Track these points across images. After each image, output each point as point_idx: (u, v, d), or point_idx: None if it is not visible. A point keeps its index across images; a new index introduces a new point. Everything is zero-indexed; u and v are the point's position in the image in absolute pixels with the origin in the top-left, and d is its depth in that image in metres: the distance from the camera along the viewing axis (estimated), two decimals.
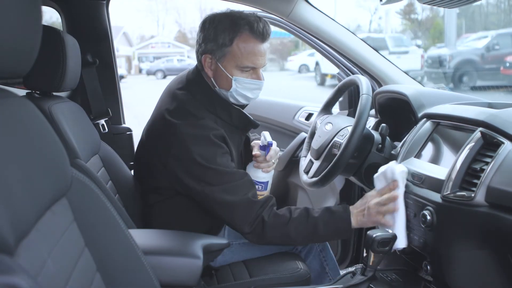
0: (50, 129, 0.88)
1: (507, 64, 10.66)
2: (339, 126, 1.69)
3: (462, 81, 11.36)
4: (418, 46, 16.46)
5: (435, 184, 1.26)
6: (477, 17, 18.81)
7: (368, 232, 1.25)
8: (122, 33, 32.87)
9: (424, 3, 1.42)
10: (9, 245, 0.63)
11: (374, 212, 1.38)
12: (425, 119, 1.51)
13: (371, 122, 1.86)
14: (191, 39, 38.56)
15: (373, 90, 1.88)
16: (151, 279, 1.02)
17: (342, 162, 1.50)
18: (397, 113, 1.78)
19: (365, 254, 1.30)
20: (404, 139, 1.54)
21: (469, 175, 1.16)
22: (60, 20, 2.16)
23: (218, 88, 1.53)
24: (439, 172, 1.27)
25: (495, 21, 18.20)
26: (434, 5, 1.44)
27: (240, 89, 1.51)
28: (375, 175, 1.42)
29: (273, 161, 1.66)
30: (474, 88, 10.81)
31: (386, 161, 1.56)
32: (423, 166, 1.38)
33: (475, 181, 1.13)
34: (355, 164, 1.60)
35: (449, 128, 1.42)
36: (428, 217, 1.24)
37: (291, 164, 2.36)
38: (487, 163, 1.12)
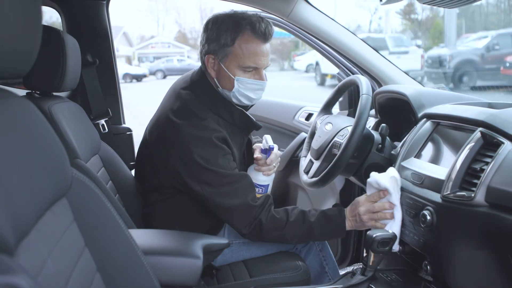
0: (50, 129, 0.88)
1: (507, 64, 10.66)
2: (339, 126, 1.69)
3: (462, 81, 11.36)
4: (418, 46, 16.45)
5: (435, 184, 1.26)
6: (477, 17, 18.81)
7: (368, 232, 1.25)
8: (122, 33, 32.89)
9: (424, 3, 1.42)
10: (9, 245, 0.63)
11: (366, 218, 1.43)
12: (425, 119, 1.51)
13: (371, 122, 1.86)
14: (191, 39, 38.59)
15: (373, 90, 1.88)
16: (151, 279, 1.02)
17: (342, 162, 1.50)
18: (397, 113, 1.78)
19: (365, 254, 1.30)
20: (404, 139, 1.54)
21: (469, 175, 1.16)
22: (60, 20, 2.16)
23: (221, 88, 1.54)
24: (439, 172, 1.27)
25: (495, 21, 18.20)
26: (434, 5, 1.44)
27: (243, 89, 1.51)
28: (368, 180, 1.44)
29: (274, 164, 1.67)
30: (474, 88, 10.81)
31: (386, 161, 1.57)
32: (423, 166, 1.38)
33: (475, 181, 1.13)
34: (355, 164, 1.60)
35: (449, 128, 1.42)
36: (428, 217, 1.24)
37: (291, 164, 2.37)
38: (487, 163, 1.12)
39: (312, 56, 18.10)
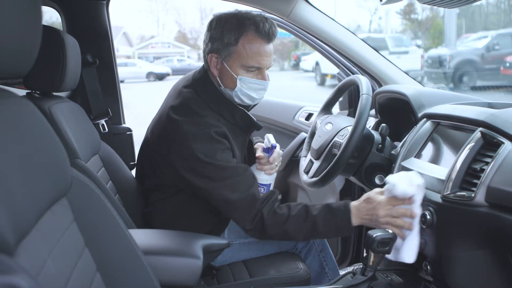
0: (50, 129, 0.88)
1: (507, 64, 10.65)
2: (339, 126, 1.69)
3: (462, 81, 11.36)
4: (418, 46, 16.45)
5: (435, 184, 1.26)
6: (477, 17, 18.80)
7: (368, 232, 1.25)
8: (122, 33, 32.90)
9: (424, 3, 1.42)
10: (9, 245, 0.63)
11: (384, 221, 1.32)
12: (425, 119, 1.51)
13: (371, 122, 1.86)
14: (191, 39, 38.58)
15: (373, 90, 1.88)
16: (151, 279, 1.02)
17: (342, 162, 1.50)
18: (397, 113, 1.78)
19: (365, 254, 1.30)
20: (404, 139, 1.54)
21: (469, 175, 1.16)
22: (60, 20, 2.16)
23: (223, 87, 1.54)
24: (439, 172, 1.27)
25: (495, 21, 18.20)
26: (434, 5, 1.44)
27: (245, 89, 1.51)
28: (391, 181, 1.30)
29: (276, 163, 1.67)
30: (474, 88, 10.81)
31: (386, 161, 1.57)
32: (423, 166, 1.38)
33: (475, 181, 1.13)
34: (355, 164, 1.60)
35: (449, 128, 1.42)
36: (428, 217, 1.24)
37: (291, 164, 2.37)
38: (487, 163, 1.12)
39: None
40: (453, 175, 1.19)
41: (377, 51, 2.11)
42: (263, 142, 1.72)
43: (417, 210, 1.27)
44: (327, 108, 1.89)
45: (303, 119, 2.50)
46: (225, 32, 1.48)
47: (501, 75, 10.93)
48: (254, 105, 1.62)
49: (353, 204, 1.40)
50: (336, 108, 2.23)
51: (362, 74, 2.08)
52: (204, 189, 1.44)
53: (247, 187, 1.43)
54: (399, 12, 24.87)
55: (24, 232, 0.70)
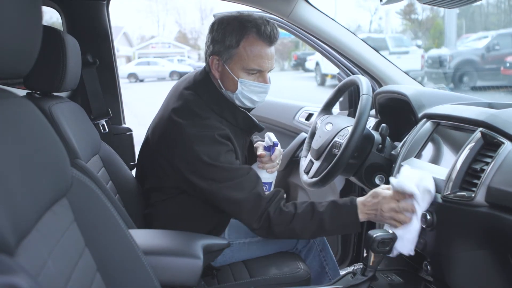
0: (50, 129, 0.88)
1: (507, 64, 10.66)
2: (339, 126, 1.69)
3: (462, 81, 11.36)
4: (419, 46, 16.44)
5: (436, 184, 1.26)
6: (477, 17, 18.80)
7: (368, 232, 1.25)
8: (122, 33, 32.90)
9: (424, 3, 1.42)
10: (9, 245, 0.63)
11: (388, 216, 1.34)
12: (425, 119, 1.51)
13: (371, 122, 1.86)
14: (191, 39, 38.58)
15: (373, 90, 1.88)
16: (151, 279, 1.02)
17: (342, 162, 1.50)
18: (397, 113, 1.78)
19: (365, 254, 1.30)
20: (404, 139, 1.54)
21: (469, 175, 1.16)
22: (60, 20, 2.16)
23: (225, 90, 1.53)
24: (439, 172, 1.27)
25: (495, 21, 18.20)
26: (434, 5, 1.44)
27: (246, 91, 1.51)
28: (394, 182, 1.32)
29: (277, 161, 1.67)
30: (475, 88, 10.81)
31: (387, 161, 1.57)
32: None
33: (475, 181, 1.13)
34: (355, 164, 1.60)
35: (449, 128, 1.42)
36: (429, 217, 1.24)
37: (291, 164, 2.37)
38: (487, 163, 1.12)
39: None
40: (453, 175, 1.19)
41: (377, 51, 2.11)
42: (262, 141, 1.72)
43: (417, 206, 1.28)
44: (327, 108, 1.89)
45: (303, 119, 2.50)
46: (227, 35, 1.48)
47: (501, 75, 10.93)
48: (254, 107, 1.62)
49: (359, 199, 1.40)
50: (336, 108, 2.23)
51: (362, 74, 2.08)
52: (209, 190, 1.43)
53: (252, 187, 1.43)
54: (399, 12, 24.90)
55: (24, 232, 0.70)
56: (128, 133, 2.27)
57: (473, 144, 1.19)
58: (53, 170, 0.85)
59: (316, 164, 1.70)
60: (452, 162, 1.23)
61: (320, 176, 1.58)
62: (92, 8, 2.14)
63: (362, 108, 1.50)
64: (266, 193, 1.48)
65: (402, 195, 1.32)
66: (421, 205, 1.27)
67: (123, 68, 25.34)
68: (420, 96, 1.62)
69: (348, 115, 2.15)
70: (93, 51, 2.11)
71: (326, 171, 1.55)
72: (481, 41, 12.07)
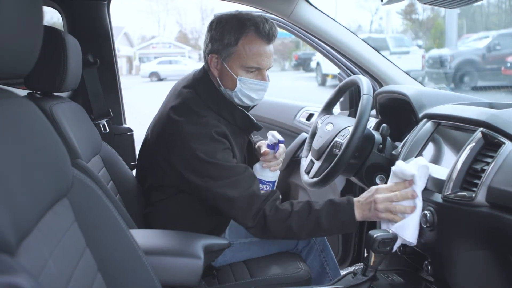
0: (51, 129, 0.88)
1: (508, 65, 10.64)
2: (340, 126, 1.69)
3: (463, 81, 11.35)
4: (419, 46, 16.44)
5: (436, 184, 1.26)
6: (478, 17, 18.79)
7: (369, 232, 1.25)
8: (123, 33, 32.92)
9: (425, 3, 1.42)
10: (10, 245, 0.63)
11: (382, 208, 1.31)
12: (426, 119, 1.51)
13: (372, 122, 1.86)
14: (192, 40, 38.58)
15: (374, 90, 1.88)
16: (152, 279, 1.02)
17: (343, 162, 1.50)
18: (398, 114, 1.78)
19: (365, 254, 1.30)
20: (405, 139, 1.54)
21: (470, 175, 1.16)
22: (61, 20, 2.17)
23: (223, 88, 1.54)
24: (440, 172, 1.27)
25: (496, 22, 18.17)
26: (435, 5, 1.44)
27: (245, 89, 1.51)
28: (392, 169, 1.33)
29: (280, 159, 1.67)
30: (475, 89, 10.80)
31: (387, 161, 1.57)
32: None
33: (476, 181, 1.13)
34: (356, 164, 1.60)
35: (450, 128, 1.42)
36: (429, 217, 1.24)
37: (292, 164, 2.37)
38: (488, 163, 1.12)
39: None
40: (454, 175, 1.18)
41: (378, 51, 2.11)
42: (264, 141, 1.73)
43: (418, 190, 1.27)
44: (328, 108, 1.89)
45: (304, 119, 2.50)
46: (225, 33, 1.48)
47: (502, 75, 10.92)
48: (254, 106, 1.63)
49: (356, 198, 1.40)
50: (337, 109, 2.23)
51: (363, 74, 2.08)
52: (204, 188, 1.44)
53: (248, 185, 1.43)
54: (400, 12, 24.87)
55: (25, 232, 0.71)
56: (128, 133, 2.27)
57: (474, 144, 1.19)
58: (54, 170, 0.85)
59: (317, 164, 1.70)
60: (452, 162, 1.23)
61: (320, 176, 1.58)
62: (93, 8, 2.15)
63: (363, 108, 1.50)
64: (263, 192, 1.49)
65: (399, 185, 1.31)
66: (420, 184, 1.28)
67: (144, 67, 25.50)
68: (420, 96, 1.62)
69: (349, 115, 2.15)
70: (94, 51, 2.12)
71: (326, 171, 1.55)
72: (482, 41, 12.05)
